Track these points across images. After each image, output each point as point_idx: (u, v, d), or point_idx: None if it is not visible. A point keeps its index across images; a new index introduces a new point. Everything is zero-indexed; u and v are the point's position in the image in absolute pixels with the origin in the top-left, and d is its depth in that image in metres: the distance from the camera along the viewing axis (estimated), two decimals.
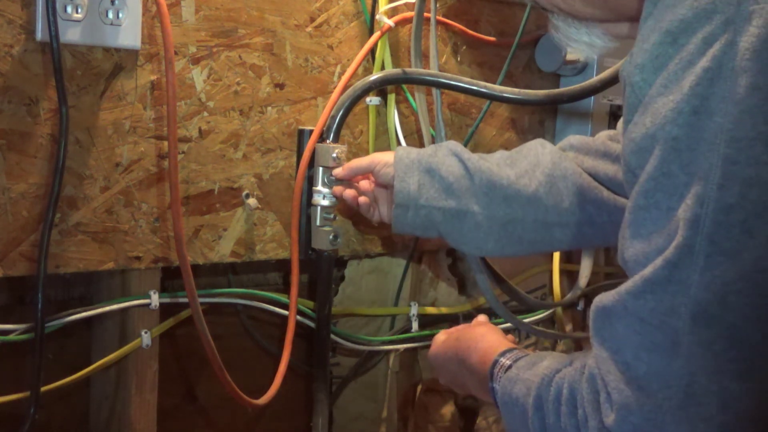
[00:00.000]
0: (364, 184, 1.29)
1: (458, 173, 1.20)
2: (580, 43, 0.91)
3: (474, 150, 1.57)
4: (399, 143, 1.46)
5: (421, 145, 1.48)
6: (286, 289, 1.41)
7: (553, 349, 1.82)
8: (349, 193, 1.27)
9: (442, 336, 1.15)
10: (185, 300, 1.22)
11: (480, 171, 1.20)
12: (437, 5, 1.41)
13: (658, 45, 0.72)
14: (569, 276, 1.78)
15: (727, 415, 0.70)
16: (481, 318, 1.17)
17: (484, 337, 1.04)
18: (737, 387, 0.69)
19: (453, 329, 1.15)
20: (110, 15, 1.13)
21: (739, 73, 0.68)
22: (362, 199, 1.27)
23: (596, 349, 0.78)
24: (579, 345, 1.85)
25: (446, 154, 1.22)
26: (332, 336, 1.42)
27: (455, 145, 1.24)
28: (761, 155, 0.67)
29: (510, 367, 0.94)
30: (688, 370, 0.70)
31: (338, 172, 1.28)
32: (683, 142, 0.70)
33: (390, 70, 1.40)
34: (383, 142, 1.45)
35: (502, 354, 0.97)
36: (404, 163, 1.21)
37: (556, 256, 1.69)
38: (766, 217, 0.67)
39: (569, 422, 0.81)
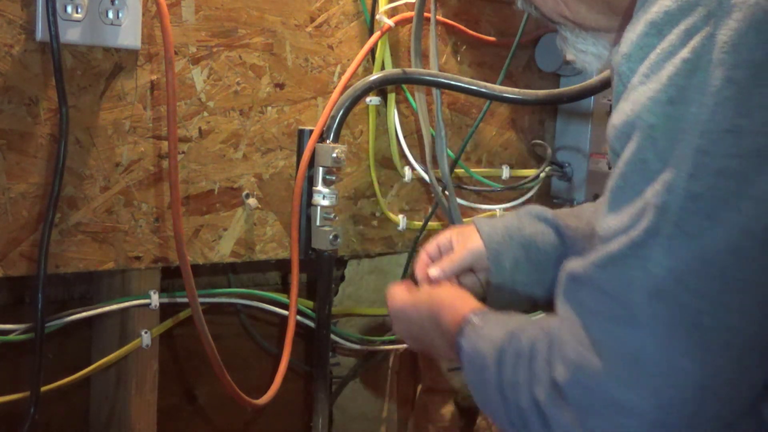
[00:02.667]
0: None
1: (553, 241, 1.12)
2: (587, 55, 0.92)
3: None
4: (399, 143, 1.46)
5: (421, 144, 1.48)
6: (285, 288, 1.41)
7: None
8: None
9: (402, 291, 1.10)
10: (185, 300, 1.22)
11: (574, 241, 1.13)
12: (437, 5, 1.41)
13: (643, 35, 0.74)
14: None
15: (675, 388, 0.71)
16: (444, 279, 1.14)
17: (458, 297, 1.03)
18: (688, 363, 0.71)
19: (419, 290, 1.10)
20: (110, 15, 1.13)
21: (717, 65, 0.69)
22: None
23: (561, 310, 0.80)
24: None
25: (534, 221, 1.14)
26: (332, 336, 1.42)
27: (541, 210, 1.15)
28: (731, 148, 0.69)
29: (480, 325, 0.95)
30: (642, 342, 0.72)
31: (434, 273, 1.14)
32: (659, 130, 0.72)
33: (390, 70, 1.40)
34: (383, 142, 1.45)
35: (475, 314, 0.97)
36: (495, 241, 1.12)
37: None
38: (731, 205, 0.69)
39: (523, 376, 0.83)
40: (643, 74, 0.73)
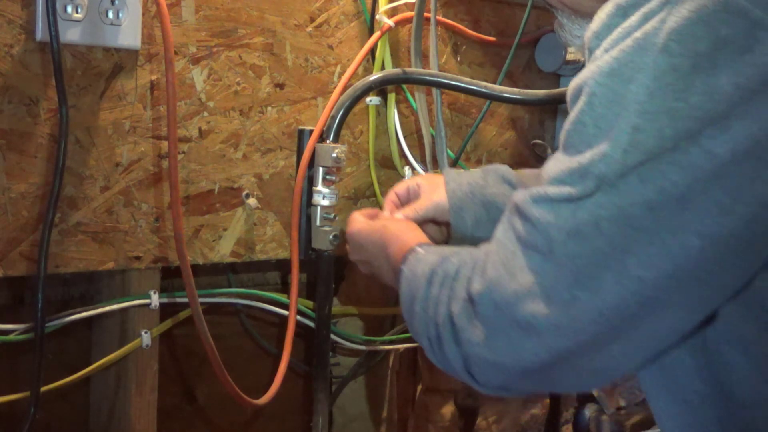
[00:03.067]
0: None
1: None
2: (582, 39, 0.94)
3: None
4: (399, 143, 1.46)
5: (421, 144, 1.48)
6: (285, 289, 1.41)
7: None
8: None
9: (361, 218, 1.16)
10: (185, 300, 1.22)
11: None
12: (437, 5, 1.41)
13: (612, 16, 0.79)
14: None
15: (575, 319, 0.78)
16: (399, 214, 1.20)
17: (409, 231, 1.09)
18: (587, 298, 0.77)
19: (375, 219, 1.17)
20: (110, 15, 1.13)
21: (662, 50, 0.74)
22: None
23: (497, 233, 0.86)
24: None
25: (498, 182, 1.19)
26: (332, 336, 1.42)
27: (506, 171, 1.20)
28: (665, 128, 0.74)
29: (422, 253, 1.00)
30: (553, 274, 0.78)
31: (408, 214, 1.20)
32: (598, 99, 0.77)
33: (390, 70, 1.40)
34: (383, 142, 1.45)
35: (420, 245, 1.02)
36: (458, 197, 1.18)
37: None
38: (660, 173, 0.75)
39: (445, 294, 0.90)
40: (604, 49, 0.79)
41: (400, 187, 1.23)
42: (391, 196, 1.23)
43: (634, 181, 0.75)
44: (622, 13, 0.78)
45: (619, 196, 0.76)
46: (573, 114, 0.80)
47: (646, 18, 0.76)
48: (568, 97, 0.82)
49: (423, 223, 1.18)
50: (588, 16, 0.92)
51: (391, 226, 1.11)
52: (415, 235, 1.07)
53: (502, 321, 0.82)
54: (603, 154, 0.76)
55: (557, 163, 0.81)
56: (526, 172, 1.22)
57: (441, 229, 1.20)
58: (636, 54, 0.75)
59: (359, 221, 1.16)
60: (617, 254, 0.76)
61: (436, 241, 1.16)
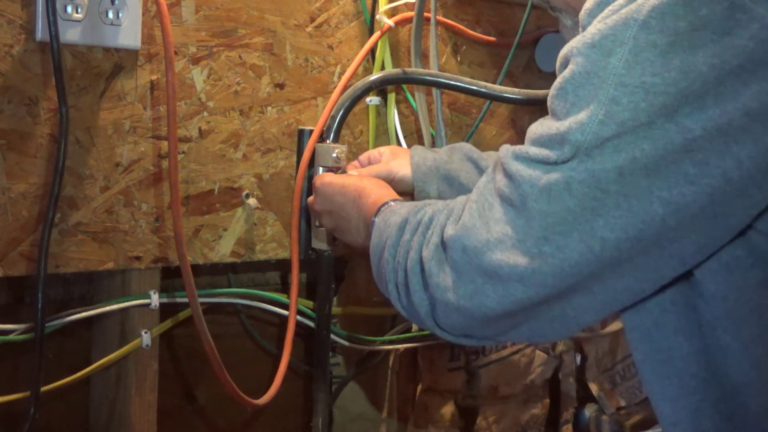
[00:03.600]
0: None
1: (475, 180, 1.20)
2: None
3: None
4: (399, 143, 1.45)
5: (421, 144, 1.48)
6: (285, 289, 1.41)
7: (553, 349, 1.82)
8: None
9: (331, 173, 1.22)
10: (185, 300, 1.22)
11: None
12: (437, 5, 1.41)
13: None
14: None
15: (538, 271, 0.82)
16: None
17: (384, 188, 1.13)
18: (552, 253, 0.81)
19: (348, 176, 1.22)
20: (110, 15, 1.13)
21: (643, 27, 0.78)
22: None
23: (479, 184, 0.91)
24: (579, 345, 1.85)
25: (462, 159, 1.22)
26: (332, 336, 1.42)
27: (470, 150, 1.24)
28: (640, 102, 0.77)
29: (396, 207, 1.04)
30: (524, 228, 0.83)
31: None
32: (579, 69, 0.81)
33: (390, 70, 1.40)
34: (383, 142, 1.45)
35: (394, 201, 1.07)
36: (422, 171, 1.21)
37: None
38: (633, 145, 0.78)
39: (417, 240, 0.94)
40: (594, 25, 0.82)
41: (364, 155, 1.30)
42: (354, 162, 1.29)
43: (608, 151, 0.79)
44: None
45: (592, 162, 0.79)
46: (558, 80, 0.83)
47: None
48: (557, 64, 0.85)
49: None
50: None
51: (365, 181, 1.15)
52: (388, 192, 1.11)
53: (469, 266, 0.86)
54: (580, 123, 0.79)
55: (541, 126, 0.85)
56: (492, 153, 1.25)
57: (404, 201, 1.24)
58: (618, 28, 0.78)
59: (330, 175, 1.22)
60: (586, 215, 0.80)
61: None
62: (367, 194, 1.11)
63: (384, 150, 1.29)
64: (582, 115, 0.80)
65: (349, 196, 1.13)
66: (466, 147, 1.26)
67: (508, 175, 0.85)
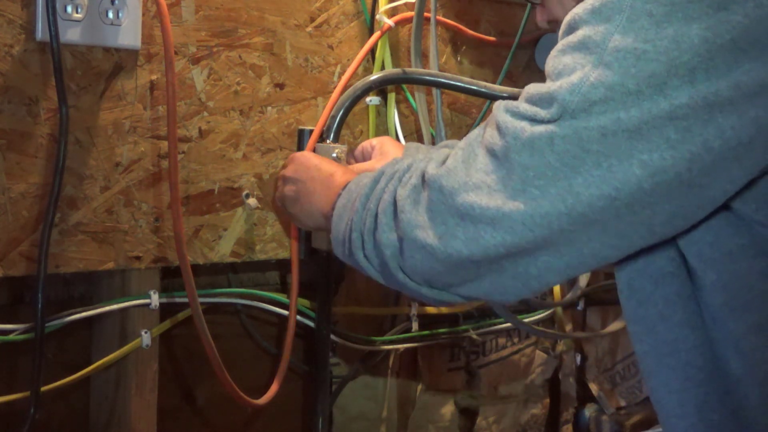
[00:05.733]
0: None
1: None
2: None
3: None
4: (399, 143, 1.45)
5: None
6: (285, 289, 1.41)
7: (553, 349, 1.82)
8: None
9: (315, 154, 1.21)
10: (185, 300, 1.22)
11: None
12: (437, 5, 1.41)
13: None
14: None
15: (504, 217, 0.84)
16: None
17: (363, 171, 1.12)
18: (526, 204, 0.83)
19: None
20: (110, 15, 1.13)
21: None
22: None
23: (470, 134, 0.93)
24: (579, 345, 1.85)
25: None
26: (332, 336, 1.42)
27: None
28: (630, 68, 0.79)
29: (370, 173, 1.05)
30: (503, 178, 0.84)
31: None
32: (578, 34, 0.83)
33: (390, 70, 1.40)
34: None
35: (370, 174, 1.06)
36: None
37: None
38: (619, 110, 0.79)
39: (392, 185, 0.96)
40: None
41: (358, 148, 1.30)
42: (350, 159, 1.29)
43: (594, 113, 0.80)
44: None
45: (576, 122, 0.81)
46: (558, 44, 0.85)
47: None
48: (560, 31, 0.87)
49: None
50: None
51: (342, 169, 1.15)
52: (366, 173, 1.10)
53: (443, 206, 0.88)
54: (571, 83, 0.81)
55: (535, 86, 0.86)
56: None
57: None
58: None
59: (315, 155, 1.21)
60: (566, 171, 0.81)
61: None
62: (342, 172, 1.12)
63: (375, 142, 1.28)
64: (574, 77, 0.81)
65: (322, 173, 1.14)
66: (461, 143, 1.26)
67: (497, 127, 0.87)
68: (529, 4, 1.47)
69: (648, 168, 0.79)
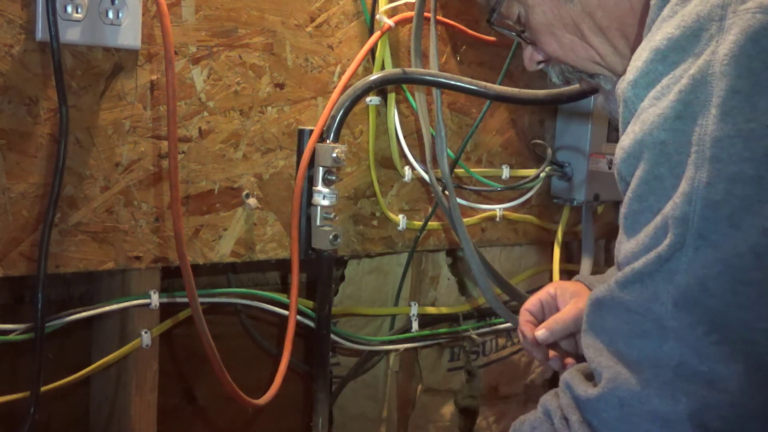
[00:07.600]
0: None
1: None
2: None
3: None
4: (399, 143, 1.46)
5: (421, 144, 1.48)
6: (285, 288, 1.41)
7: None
8: (555, 360, 1.12)
9: None
10: (185, 300, 1.22)
11: None
12: (437, 5, 1.41)
13: (649, 62, 0.77)
14: (569, 276, 1.78)
15: (712, 392, 0.72)
16: None
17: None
18: (724, 368, 0.72)
19: None
20: (110, 15, 1.13)
21: (719, 77, 0.72)
22: (569, 360, 1.11)
23: (590, 341, 0.80)
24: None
25: None
26: (332, 336, 1.42)
27: None
28: (743, 152, 0.71)
29: None
30: (679, 351, 0.73)
31: (543, 336, 1.10)
32: (671, 146, 0.74)
33: (390, 70, 1.40)
34: (383, 142, 1.45)
35: None
36: None
37: (556, 256, 1.69)
38: (751, 210, 0.71)
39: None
40: (653, 97, 0.76)
41: (532, 303, 1.16)
42: (525, 316, 1.15)
43: (726, 226, 0.71)
44: (661, 57, 0.76)
45: (715, 247, 0.71)
46: (640, 173, 0.75)
47: (697, 56, 0.74)
48: (621, 160, 0.78)
49: (567, 337, 1.11)
50: None
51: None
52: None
53: (630, 415, 0.76)
54: (683, 194, 0.72)
55: (633, 239, 0.76)
56: None
57: (576, 338, 1.12)
58: (696, 90, 0.73)
59: None
60: (735, 309, 0.71)
61: (572, 354, 1.10)
62: None
63: (553, 291, 1.15)
64: (684, 186, 0.72)
65: None
66: None
67: (626, 308, 0.76)
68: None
69: None
